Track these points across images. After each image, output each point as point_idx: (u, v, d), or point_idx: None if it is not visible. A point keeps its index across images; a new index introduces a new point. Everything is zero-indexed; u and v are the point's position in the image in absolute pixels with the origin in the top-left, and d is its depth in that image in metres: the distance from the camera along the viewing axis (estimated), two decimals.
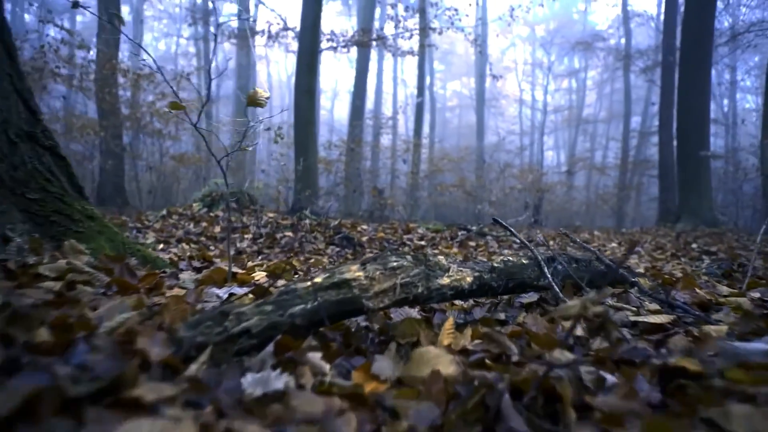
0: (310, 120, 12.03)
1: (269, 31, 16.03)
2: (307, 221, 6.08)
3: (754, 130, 31.30)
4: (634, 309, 1.75)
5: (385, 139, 26.96)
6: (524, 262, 1.73)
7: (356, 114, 19.47)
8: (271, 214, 6.87)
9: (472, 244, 6.29)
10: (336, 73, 44.30)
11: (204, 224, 6.17)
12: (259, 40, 17.87)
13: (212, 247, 5.17)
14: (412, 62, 28.00)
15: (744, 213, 20.72)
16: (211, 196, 7.05)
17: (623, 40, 29.72)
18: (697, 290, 2.34)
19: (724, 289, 2.57)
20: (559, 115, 34.78)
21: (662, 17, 20.45)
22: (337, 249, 5.49)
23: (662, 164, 18.73)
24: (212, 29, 18.77)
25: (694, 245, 7.38)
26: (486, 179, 19.81)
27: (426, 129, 33.94)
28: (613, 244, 6.97)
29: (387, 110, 34.93)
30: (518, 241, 1.90)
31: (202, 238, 5.47)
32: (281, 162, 11.57)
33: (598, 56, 31.45)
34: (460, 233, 6.81)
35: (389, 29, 17.02)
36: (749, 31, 19.68)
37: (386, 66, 38.29)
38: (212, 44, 3.02)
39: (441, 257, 1.47)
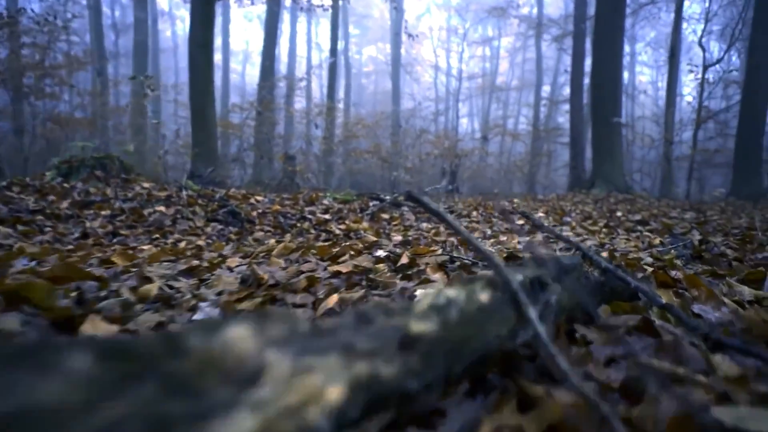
0: (207, 77, 10.58)
1: None
2: (186, 192, 4.87)
3: (648, 102, 32.38)
4: (704, 380, 0.80)
5: (300, 104, 25.48)
6: (481, 299, 0.71)
7: (266, 75, 17.88)
8: (146, 185, 5.58)
9: (386, 216, 5.33)
10: (247, 34, 41.82)
11: (52, 198, 4.83)
12: None
13: (46, 229, 3.91)
14: (326, 26, 26.50)
15: (646, 179, 21.14)
16: (70, 163, 5.65)
17: (535, 10, 29.53)
18: (725, 300, 1.46)
19: (743, 290, 1.72)
20: (474, 83, 34.31)
21: None
22: (220, 227, 4.37)
23: (573, 131, 18.55)
24: None
25: (618, 213, 6.80)
26: (402, 145, 18.94)
27: (341, 94, 32.65)
28: (540, 214, 6.22)
29: (301, 74, 33.32)
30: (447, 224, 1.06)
31: (39, 217, 4.17)
32: (153, 120, 10.08)
33: (512, 24, 31.15)
34: (371, 204, 5.83)
35: None
36: (653, 2, 19.74)
37: (300, 29, 36.43)
38: None
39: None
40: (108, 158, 5.95)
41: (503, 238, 4.15)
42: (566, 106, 23.56)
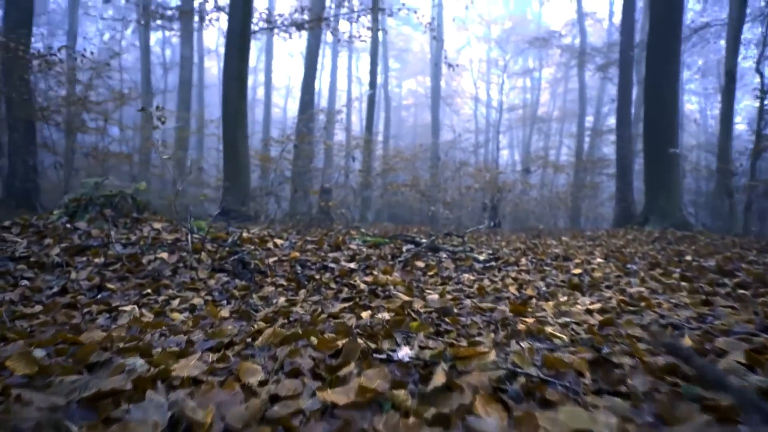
0: (240, 110, 10.13)
1: (199, 11, 13.94)
2: (194, 235, 4.20)
3: (697, 131, 30.84)
4: None
5: (339, 137, 25.10)
6: None
7: (304, 108, 17.51)
8: (157, 225, 4.97)
9: (421, 264, 4.55)
10: (290, 69, 42.19)
11: (48, 241, 4.24)
12: (208, 36, 15.79)
13: (23, 282, 3.30)
14: (366, 60, 26.20)
15: (702, 213, 19.69)
16: (79, 201, 5.10)
17: (578, 40, 28.63)
18: None
19: None
20: (514, 114, 33.47)
21: (616, 17, 19.29)
22: (226, 279, 3.67)
23: (620, 162, 17.43)
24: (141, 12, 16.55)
25: (688, 257, 5.83)
26: (441, 178, 18.19)
27: (380, 127, 32.27)
28: (598, 260, 5.32)
29: (342, 115, 33.29)
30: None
31: (21, 266, 3.58)
32: (163, 155, 9.61)
33: (553, 55, 30.37)
34: (405, 249, 5.07)
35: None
36: (708, 25, 18.69)
37: (341, 63, 36.46)
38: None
39: None
40: (120, 195, 5.38)
41: (563, 297, 3.33)
42: (612, 137, 22.50)
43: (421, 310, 2.63)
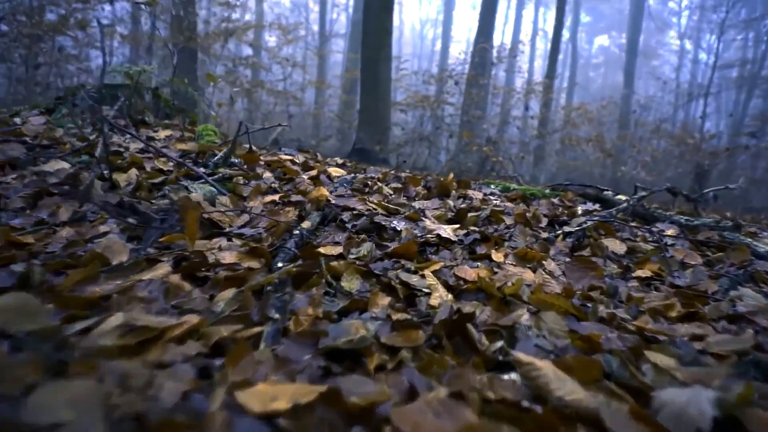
0: (382, 25, 7.92)
1: None
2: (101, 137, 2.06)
3: None
4: None
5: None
6: None
7: (479, 63, 14.47)
8: (166, 134, 2.94)
9: (616, 246, 1.94)
10: (471, 22, 38.86)
11: None
12: None
13: None
14: (554, 14, 22.03)
15: None
16: (72, 92, 3.27)
17: None
18: None
19: None
20: (727, 74, 26.88)
21: None
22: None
23: None
24: None
25: None
26: (633, 138, 14.37)
27: (564, 84, 28.03)
28: None
29: (523, 64, 29.61)
30: None
31: None
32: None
33: None
34: (580, 210, 2.46)
35: None
36: None
37: (526, 15, 32.38)
38: None
39: None
40: (128, 88, 3.40)
41: None
42: None
43: None
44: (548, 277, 1.52)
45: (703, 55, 30.36)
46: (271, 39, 16.47)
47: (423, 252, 1.67)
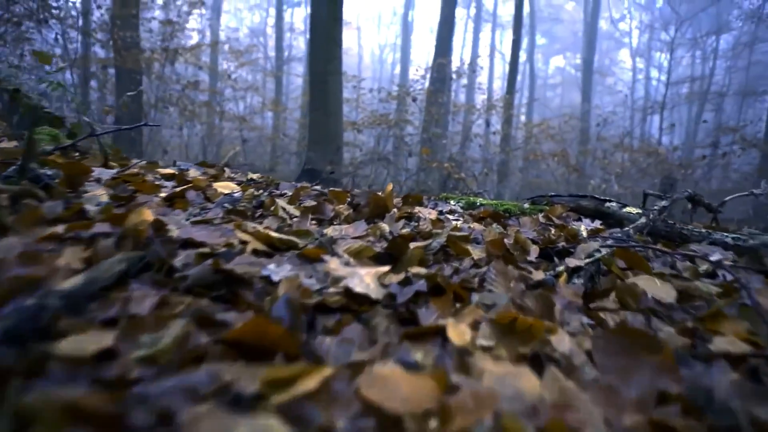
0: (331, 35, 7.12)
1: None
2: None
3: None
4: None
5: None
6: None
7: (438, 79, 13.82)
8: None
9: (652, 286, 1.11)
10: (430, 46, 38.86)
11: None
12: None
13: None
14: (510, 36, 21.76)
15: None
16: None
17: None
18: None
19: None
20: (677, 91, 27.12)
21: None
22: None
23: None
24: None
25: None
26: (595, 153, 13.94)
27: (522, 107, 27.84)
28: None
29: (482, 84, 29.38)
30: None
31: None
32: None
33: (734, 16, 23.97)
34: (583, 230, 1.64)
35: None
36: None
37: (483, 37, 32.38)
38: None
39: None
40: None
41: None
42: None
43: None
44: (568, 384, 0.68)
45: (654, 72, 30.76)
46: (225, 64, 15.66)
47: (311, 328, 0.82)
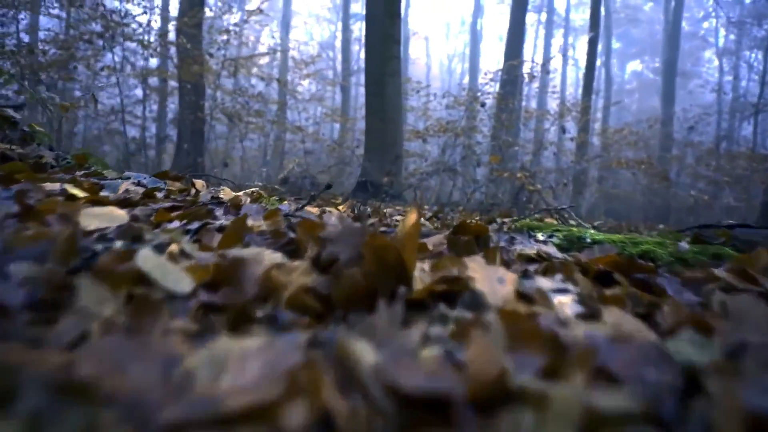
0: (389, 33, 6.35)
1: None
2: None
3: None
4: None
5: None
6: None
7: (509, 81, 12.67)
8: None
9: None
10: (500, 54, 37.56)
11: None
12: None
13: None
14: (583, 41, 20.12)
15: None
16: None
17: None
18: None
19: None
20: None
21: None
22: None
23: None
24: None
25: None
26: (683, 161, 12.37)
27: (598, 114, 26.01)
28: None
29: (556, 85, 27.70)
30: None
31: None
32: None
33: None
34: None
35: None
36: None
37: (554, 43, 30.74)
38: None
39: None
40: None
41: None
42: None
43: None
44: None
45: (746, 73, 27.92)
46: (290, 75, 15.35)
47: None
